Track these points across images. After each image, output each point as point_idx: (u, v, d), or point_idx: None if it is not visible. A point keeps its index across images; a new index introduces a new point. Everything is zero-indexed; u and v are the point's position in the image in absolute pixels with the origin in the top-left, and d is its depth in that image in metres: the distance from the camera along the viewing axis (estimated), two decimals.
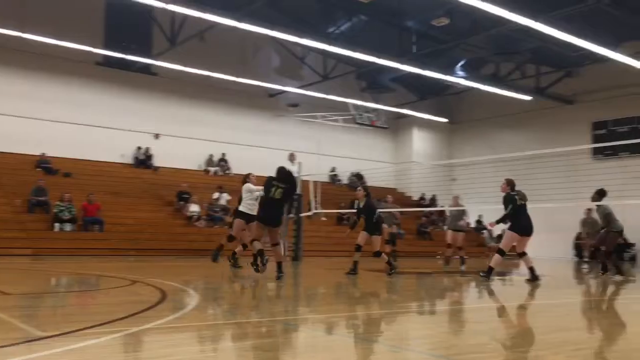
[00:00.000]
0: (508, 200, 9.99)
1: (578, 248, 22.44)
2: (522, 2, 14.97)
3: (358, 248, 10.62)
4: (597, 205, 11.93)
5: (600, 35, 17.78)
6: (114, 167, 21.38)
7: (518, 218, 9.97)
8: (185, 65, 20.64)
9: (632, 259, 21.31)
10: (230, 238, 11.01)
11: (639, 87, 21.85)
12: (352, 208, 13.49)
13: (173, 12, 17.14)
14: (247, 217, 10.51)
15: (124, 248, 16.09)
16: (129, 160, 22.13)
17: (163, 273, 10.29)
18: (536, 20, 15.55)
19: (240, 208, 10.75)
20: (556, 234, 20.54)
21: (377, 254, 10.65)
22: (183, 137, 22.87)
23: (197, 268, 12.33)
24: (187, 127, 22.99)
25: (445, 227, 15.35)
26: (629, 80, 21.31)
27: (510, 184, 10.16)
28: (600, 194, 11.80)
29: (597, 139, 23.69)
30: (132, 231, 17.09)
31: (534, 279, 10.04)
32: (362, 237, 10.71)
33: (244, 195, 10.87)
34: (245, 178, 11.19)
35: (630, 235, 18.37)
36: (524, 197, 10.09)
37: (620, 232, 12.18)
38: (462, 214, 13.95)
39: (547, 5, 15.45)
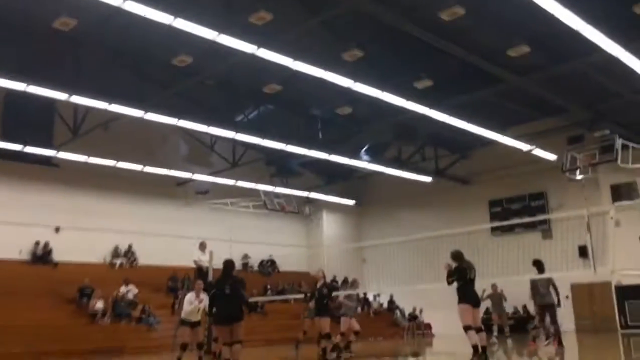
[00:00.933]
0: (454, 272, 9.60)
1: (485, 323, 23.10)
2: (419, 92, 16.12)
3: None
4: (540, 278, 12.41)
5: (489, 121, 19.36)
6: (8, 264, 19.95)
7: (466, 289, 9.56)
8: (89, 156, 20.12)
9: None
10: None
11: (525, 166, 23.60)
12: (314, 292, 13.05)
13: (77, 104, 16.88)
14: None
15: (16, 352, 14.78)
16: (26, 256, 20.80)
17: None
18: (430, 108, 16.76)
19: None
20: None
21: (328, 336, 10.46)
22: (86, 229, 21.89)
23: None
24: (90, 219, 22.05)
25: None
26: (517, 161, 23.00)
27: (454, 257, 9.76)
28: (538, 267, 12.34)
29: (493, 216, 25.17)
30: (26, 333, 15.79)
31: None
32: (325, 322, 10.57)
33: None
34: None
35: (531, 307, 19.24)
36: (471, 268, 9.70)
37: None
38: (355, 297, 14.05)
39: (441, 96, 16.70)
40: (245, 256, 24.62)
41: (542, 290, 12.72)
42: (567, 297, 22.92)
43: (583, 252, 15.95)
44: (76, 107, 17.99)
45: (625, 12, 12.44)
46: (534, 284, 12.80)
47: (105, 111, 16.23)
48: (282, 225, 27.96)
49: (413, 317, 26.12)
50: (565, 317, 22.83)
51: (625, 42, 12.86)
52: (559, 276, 15.21)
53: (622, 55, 13.22)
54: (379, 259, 20.25)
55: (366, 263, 26.49)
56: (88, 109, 17.45)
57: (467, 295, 9.55)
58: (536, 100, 18.21)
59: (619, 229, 11.94)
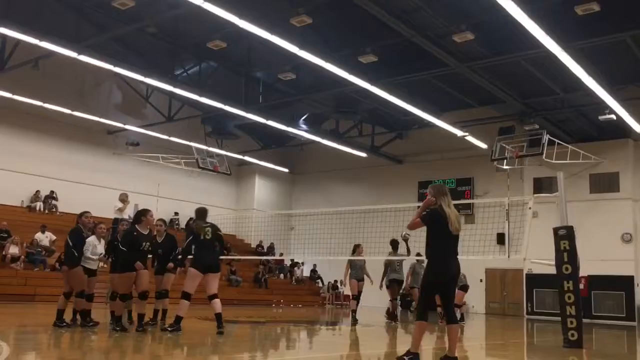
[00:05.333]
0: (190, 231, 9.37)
1: (404, 298, 23.83)
2: (362, 66, 16.15)
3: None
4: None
5: (427, 103, 19.71)
6: None
7: (200, 253, 8.70)
8: (14, 93, 19.08)
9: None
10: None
11: (457, 152, 24.34)
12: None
13: (4, 36, 15.87)
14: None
15: None
16: None
17: None
18: (372, 84, 16.86)
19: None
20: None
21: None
22: (6, 169, 20.87)
23: (10, 316, 11.14)
24: (12, 159, 21.04)
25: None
26: (450, 145, 23.66)
27: (197, 213, 9.05)
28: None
29: (422, 197, 25.84)
30: None
31: (219, 327, 8.57)
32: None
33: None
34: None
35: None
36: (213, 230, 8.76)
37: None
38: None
39: (383, 73, 16.81)
40: (175, 214, 24.22)
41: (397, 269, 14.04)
42: (480, 280, 24.05)
43: (501, 239, 16.63)
44: (4, 38, 16.93)
45: (568, 12, 12.81)
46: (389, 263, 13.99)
47: (37, 47, 15.34)
48: (212, 186, 27.65)
49: (334, 287, 26.63)
50: (477, 299, 24.03)
51: (565, 41, 13.32)
52: (475, 260, 15.88)
53: (560, 54, 13.69)
54: (307, 228, 20.41)
55: (294, 231, 26.64)
56: (18, 42, 16.44)
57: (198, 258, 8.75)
58: (474, 88, 18.65)
59: (536, 220, 12.54)
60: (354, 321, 13.14)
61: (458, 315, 10.76)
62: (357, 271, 13.78)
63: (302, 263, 27.78)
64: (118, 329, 8.44)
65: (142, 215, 8.83)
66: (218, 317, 8.53)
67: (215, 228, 8.76)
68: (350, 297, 14.40)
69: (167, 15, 15.02)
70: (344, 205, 21.19)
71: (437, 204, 6.05)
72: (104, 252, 9.19)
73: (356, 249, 14.00)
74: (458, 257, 6.06)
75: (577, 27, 13.44)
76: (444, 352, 6.14)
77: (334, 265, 26.07)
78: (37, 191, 22.12)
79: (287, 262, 27.59)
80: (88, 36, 15.54)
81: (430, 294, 6.13)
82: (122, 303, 8.69)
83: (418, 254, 12.76)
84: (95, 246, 9.02)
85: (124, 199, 15.05)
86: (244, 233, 27.92)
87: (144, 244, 8.65)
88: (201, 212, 8.96)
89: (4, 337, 7.41)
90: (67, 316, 8.86)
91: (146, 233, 8.79)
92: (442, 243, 5.97)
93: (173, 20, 16.13)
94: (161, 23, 16.55)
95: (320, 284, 27.47)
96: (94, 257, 9.02)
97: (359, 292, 13.81)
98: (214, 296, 8.57)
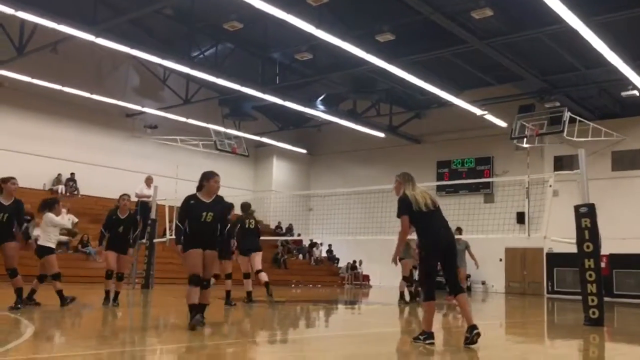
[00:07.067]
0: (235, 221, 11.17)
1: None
2: (380, 46, 15.99)
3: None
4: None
5: (445, 82, 19.49)
6: None
7: (244, 239, 11.10)
8: (33, 77, 19.25)
9: (468, 289, 23.13)
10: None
11: (476, 131, 24.11)
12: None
13: (23, 20, 15.97)
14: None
15: None
16: None
17: None
18: (390, 63, 16.70)
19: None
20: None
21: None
22: (27, 153, 21.14)
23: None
24: (32, 143, 21.30)
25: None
26: (469, 124, 23.44)
27: (242, 207, 11.41)
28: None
29: (440, 176, 25.71)
30: None
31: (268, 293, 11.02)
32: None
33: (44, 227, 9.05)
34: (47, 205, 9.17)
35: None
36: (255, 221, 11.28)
37: None
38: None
39: (401, 51, 16.64)
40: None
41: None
42: (500, 260, 23.95)
43: (521, 218, 16.48)
44: (22, 23, 17.04)
45: None
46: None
47: (54, 31, 15.44)
48: (230, 168, 27.71)
49: (352, 267, 26.73)
50: (497, 279, 23.94)
51: (586, 16, 13.03)
52: (495, 239, 15.78)
53: (582, 29, 13.41)
54: (325, 208, 20.44)
55: (312, 212, 26.69)
56: (36, 27, 16.55)
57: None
58: (493, 66, 18.39)
59: (557, 198, 12.41)
60: (405, 302, 13.05)
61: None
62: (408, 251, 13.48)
63: (321, 243, 27.89)
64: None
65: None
66: (266, 285, 10.92)
67: (255, 219, 11.17)
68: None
69: None
70: (362, 186, 21.15)
71: (403, 192, 6.26)
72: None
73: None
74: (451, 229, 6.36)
75: (598, 1, 13.14)
76: (453, 329, 6.13)
77: (352, 245, 26.17)
78: (59, 174, 22.39)
79: (306, 243, 27.70)
80: (105, 19, 15.57)
81: (429, 266, 6.10)
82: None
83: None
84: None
85: (148, 182, 15.78)
86: (263, 214, 28.00)
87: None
88: (245, 207, 11.31)
89: (30, 317, 7.58)
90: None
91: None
92: (424, 220, 6.14)
93: (189, 2, 16.11)
94: (177, 5, 16.55)
95: (338, 265, 27.53)
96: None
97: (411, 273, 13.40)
98: (260, 270, 10.96)
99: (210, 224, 6.80)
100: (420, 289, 13.52)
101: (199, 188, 7.04)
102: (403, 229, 6.19)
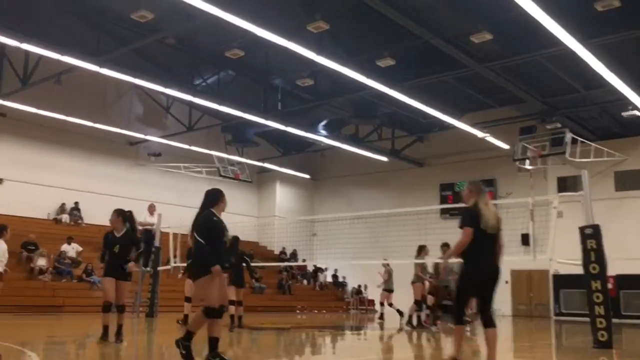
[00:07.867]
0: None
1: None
2: (380, 70, 16.14)
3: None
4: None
5: (447, 105, 19.61)
6: None
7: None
8: (38, 108, 19.43)
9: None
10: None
11: (478, 153, 24.11)
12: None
13: (27, 52, 16.18)
14: None
15: None
16: None
17: None
18: (391, 88, 16.83)
19: None
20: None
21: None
22: (32, 183, 21.23)
23: (39, 327, 11.31)
24: (37, 173, 21.39)
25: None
26: (471, 147, 23.46)
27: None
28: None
29: (443, 199, 25.67)
30: None
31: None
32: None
33: None
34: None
35: None
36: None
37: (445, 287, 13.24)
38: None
39: (401, 76, 16.78)
40: None
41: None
42: (506, 282, 23.75)
43: (525, 240, 16.37)
44: (27, 55, 17.26)
45: (587, 8, 12.67)
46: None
47: (59, 62, 15.63)
48: (234, 194, 27.61)
49: (357, 292, 26.55)
50: (503, 302, 23.72)
51: (584, 38, 13.15)
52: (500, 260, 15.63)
53: (580, 51, 13.52)
54: (329, 233, 20.38)
55: (316, 237, 26.63)
56: (40, 58, 16.75)
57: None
58: (493, 88, 18.52)
59: (562, 219, 12.34)
60: (412, 326, 13.08)
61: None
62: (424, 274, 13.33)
63: (326, 268, 27.76)
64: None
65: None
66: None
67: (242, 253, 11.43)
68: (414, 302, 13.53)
69: (185, 26, 15.17)
70: (366, 210, 21.14)
71: (474, 202, 5.83)
72: None
73: (422, 250, 13.31)
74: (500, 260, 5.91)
75: (597, 24, 13.27)
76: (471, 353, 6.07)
77: (357, 270, 26.01)
78: (63, 204, 22.44)
79: (310, 268, 27.58)
80: (108, 50, 15.77)
81: (466, 295, 5.93)
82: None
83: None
84: None
85: (151, 210, 15.73)
86: (267, 240, 27.98)
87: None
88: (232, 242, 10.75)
89: (34, 348, 7.53)
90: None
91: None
92: (480, 244, 5.67)
93: (191, 31, 16.30)
94: (180, 34, 16.74)
95: (345, 289, 27.36)
96: None
97: (423, 297, 13.32)
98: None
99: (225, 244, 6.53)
100: (433, 314, 13.55)
101: (212, 205, 6.74)
102: (463, 240, 5.68)
